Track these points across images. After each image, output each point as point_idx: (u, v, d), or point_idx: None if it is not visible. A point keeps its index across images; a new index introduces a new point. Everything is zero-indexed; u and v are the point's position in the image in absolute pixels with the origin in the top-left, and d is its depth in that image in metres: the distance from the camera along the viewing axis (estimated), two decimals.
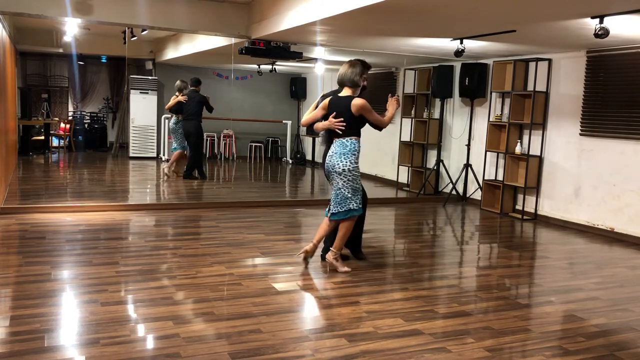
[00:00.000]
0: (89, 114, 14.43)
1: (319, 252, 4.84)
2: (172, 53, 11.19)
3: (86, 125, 14.13)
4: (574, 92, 6.98)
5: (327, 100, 4.54)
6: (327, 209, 4.65)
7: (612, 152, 6.56)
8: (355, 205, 4.49)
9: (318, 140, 12.77)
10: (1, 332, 3.12)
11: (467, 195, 8.59)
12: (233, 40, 7.81)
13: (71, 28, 8.93)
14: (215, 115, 9.87)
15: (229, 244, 5.38)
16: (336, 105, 4.47)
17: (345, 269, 4.56)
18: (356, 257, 4.97)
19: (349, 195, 4.45)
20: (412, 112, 9.39)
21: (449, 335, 3.34)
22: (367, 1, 4.61)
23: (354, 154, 4.45)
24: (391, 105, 4.64)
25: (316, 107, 4.68)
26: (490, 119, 7.97)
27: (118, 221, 6.29)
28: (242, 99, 13.59)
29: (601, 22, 4.83)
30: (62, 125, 13.22)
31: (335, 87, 4.72)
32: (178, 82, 9.54)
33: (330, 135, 4.58)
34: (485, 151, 8.02)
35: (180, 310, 3.58)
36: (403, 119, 9.59)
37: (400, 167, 9.72)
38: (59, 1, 6.36)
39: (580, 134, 6.92)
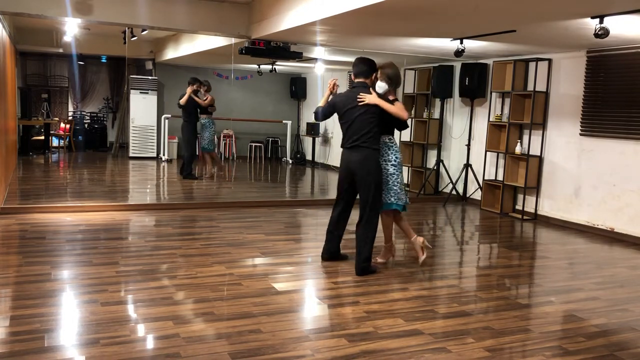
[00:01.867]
0: (89, 114, 14.43)
1: (318, 252, 4.84)
2: (172, 53, 11.18)
3: (86, 125, 14.13)
4: (574, 92, 6.98)
5: None
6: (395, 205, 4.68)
7: (612, 152, 6.55)
8: None
9: (318, 140, 12.77)
10: (1, 332, 3.12)
11: (467, 195, 8.60)
12: (233, 40, 7.80)
13: (71, 28, 8.92)
14: (216, 115, 9.87)
15: (229, 244, 5.38)
16: None
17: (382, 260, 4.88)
18: (339, 259, 4.89)
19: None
20: (412, 112, 9.38)
21: (449, 335, 3.34)
22: (367, 1, 4.61)
23: None
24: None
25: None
26: (490, 119, 7.97)
27: (118, 221, 6.29)
28: (242, 99, 13.59)
29: (601, 22, 4.83)
30: (62, 125, 13.22)
31: (342, 89, 4.78)
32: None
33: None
34: (485, 151, 8.02)
35: (180, 310, 3.58)
36: None
37: None
38: (59, 1, 6.36)
39: (580, 134, 6.92)
